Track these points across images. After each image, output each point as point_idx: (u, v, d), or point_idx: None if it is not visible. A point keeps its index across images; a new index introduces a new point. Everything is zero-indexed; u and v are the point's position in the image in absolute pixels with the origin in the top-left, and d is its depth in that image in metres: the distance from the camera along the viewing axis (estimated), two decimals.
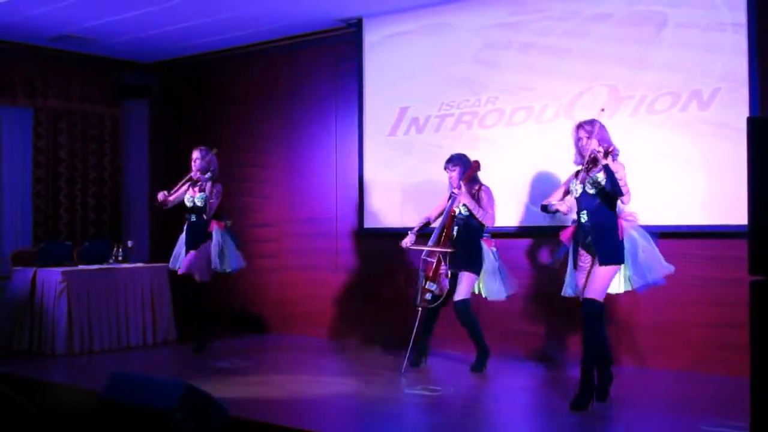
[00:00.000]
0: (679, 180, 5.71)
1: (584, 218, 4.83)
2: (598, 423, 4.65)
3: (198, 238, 6.73)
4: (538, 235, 6.48)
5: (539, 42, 6.43)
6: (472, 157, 5.93)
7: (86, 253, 7.34)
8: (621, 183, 4.63)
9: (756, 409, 3.04)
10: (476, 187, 5.84)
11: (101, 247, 7.52)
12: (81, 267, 7.03)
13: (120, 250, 7.44)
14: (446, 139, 6.72)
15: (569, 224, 5.10)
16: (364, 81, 7.36)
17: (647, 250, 4.76)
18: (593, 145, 4.76)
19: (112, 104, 8.88)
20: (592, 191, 4.80)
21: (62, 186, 8.47)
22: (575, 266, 4.92)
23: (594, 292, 4.72)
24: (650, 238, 4.78)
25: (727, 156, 5.55)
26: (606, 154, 4.60)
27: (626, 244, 4.75)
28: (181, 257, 6.86)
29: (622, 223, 4.78)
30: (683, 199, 5.67)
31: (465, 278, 5.77)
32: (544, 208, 5.00)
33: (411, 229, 6.09)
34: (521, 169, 6.48)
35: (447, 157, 5.96)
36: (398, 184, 7.07)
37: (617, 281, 4.85)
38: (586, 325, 4.73)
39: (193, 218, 6.75)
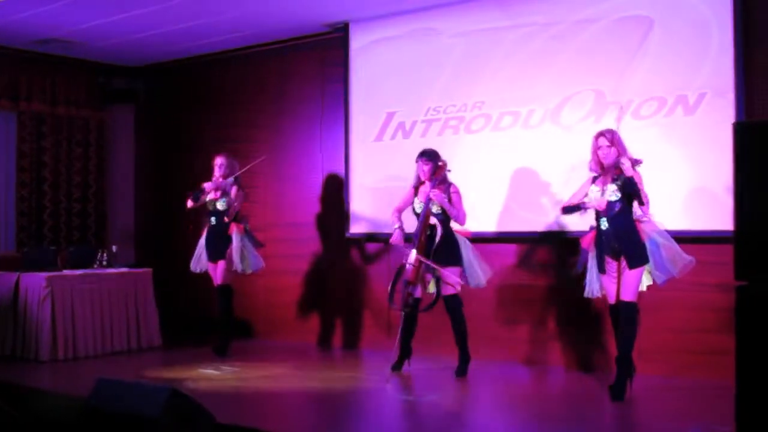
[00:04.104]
0: (665, 185, 5.70)
1: (604, 225, 5.08)
2: (583, 430, 4.64)
3: (218, 241, 6.81)
4: (525, 240, 6.49)
5: (525, 47, 6.44)
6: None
7: (70, 258, 7.28)
8: (644, 191, 4.94)
9: (741, 414, 3.05)
10: (446, 187, 5.86)
11: (86, 252, 7.46)
12: (65, 272, 6.96)
13: (104, 255, 7.39)
14: (433, 144, 6.67)
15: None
16: (350, 86, 7.35)
17: (667, 247, 5.03)
18: (613, 153, 5.01)
19: (97, 108, 8.81)
20: (613, 198, 5.04)
21: (47, 190, 8.39)
22: (602, 271, 5.14)
23: (631, 295, 5.03)
24: (668, 236, 5.06)
25: (713, 161, 5.58)
26: (634, 166, 4.93)
27: (647, 245, 5.01)
28: (202, 259, 6.97)
29: (642, 226, 5.04)
30: (669, 204, 5.65)
31: (452, 273, 5.78)
32: (571, 209, 5.24)
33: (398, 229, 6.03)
34: (508, 173, 6.48)
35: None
36: (384, 189, 7.04)
37: (645, 282, 5.13)
38: (626, 324, 5.04)
39: (213, 221, 6.82)
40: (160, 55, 8.53)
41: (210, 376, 6.06)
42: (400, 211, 6.11)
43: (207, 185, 6.80)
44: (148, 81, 9.12)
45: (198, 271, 7.04)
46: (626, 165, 4.94)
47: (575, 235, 5.70)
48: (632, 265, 5.01)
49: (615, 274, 5.11)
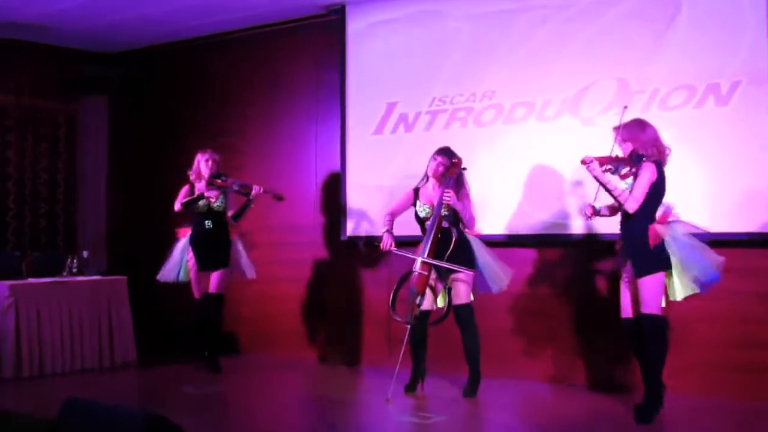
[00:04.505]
0: (696, 183, 5.72)
1: (620, 227, 5.14)
2: None
3: (216, 247, 6.79)
4: (539, 244, 6.49)
5: (540, 31, 6.43)
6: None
7: (37, 265, 7.28)
8: (616, 192, 4.98)
9: None
10: (458, 188, 5.85)
11: (53, 257, 7.47)
12: (31, 280, 6.96)
13: (74, 261, 7.36)
14: (438, 137, 6.66)
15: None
16: (347, 74, 7.34)
17: (689, 248, 4.94)
18: (628, 148, 5.04)
19: (67, 100, 8.81)
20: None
21: (10, 189, 8.40)
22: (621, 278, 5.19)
23: (649, 306, 4.95)
24: (693, 237, 4.99)
25: (749, 156, 5.58)
26: (582, 162, 4.98)
27: (668, 249, 4.94)
28: (174, 268, 6.88)
29: (655, 228, 4.97)
30: (701, 204, 5.66)
31: (464, 279, 5.77)
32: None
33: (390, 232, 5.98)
34: (521, 170, 6.48)
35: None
36: (385, 187, 7.04)
37: (672, 289, 5.02)
38: (650, 341, 4.96)
39: (209, 224, 6.77)
40: (137, 40, 8.52)
41: (192, 396, 6.04)
42: (393, 215, 6.05)
43: (219, 182, 6.74)
44: (123, 69, 9.10)
45: (163, 280, 6.94)
46: (591, 165, 4.97)
47: (606, 237, 5.69)
48: (637, 273, 4.99)
49: (628, 282, 5.11)
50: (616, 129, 5.12)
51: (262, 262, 7.29)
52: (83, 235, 8.95)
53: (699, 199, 5.68)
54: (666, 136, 5.28)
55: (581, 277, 6.32)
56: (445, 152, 5.91)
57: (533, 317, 6.51)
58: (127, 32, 8.20)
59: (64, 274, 7.29)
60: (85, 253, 7.64)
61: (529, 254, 6.54)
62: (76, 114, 8.93)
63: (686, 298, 5.11)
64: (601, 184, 5.00)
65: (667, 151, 5.12)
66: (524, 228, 6.48)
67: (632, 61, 6.05)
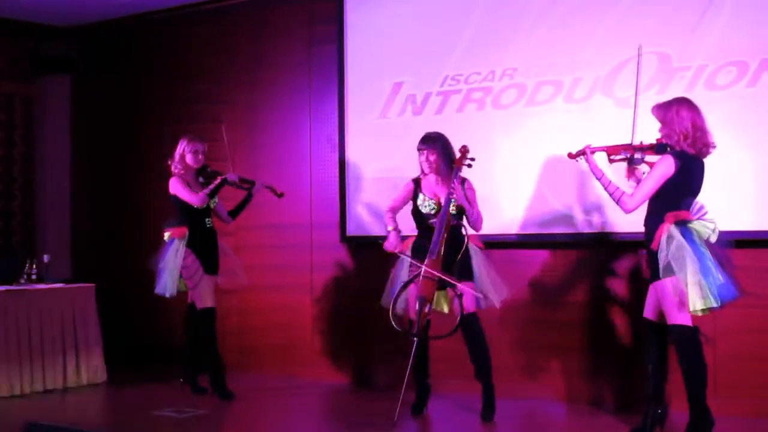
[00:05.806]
0: (746, 173, 5.72)
1: None
2: None
3: (214, 248, 6.85)
4: (567, 245, 6.49)
5: None
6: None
7: None
8: (610, 189, 5.10)
9: None
10: (462, 182, 5.88)
11: (9, 263, 7.47)
12: None
13: (34, 266, 7.38)
14: (451, 122, 6.69)
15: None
16: (347, 48, 7.35)
17: (695, 254, 4.83)
18: (663, 132, 5.08)
19: (24, 81, 8.83)
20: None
21: None
22: None
23: (673, 316, 4.92)
24: (709, 240, 4.92)
25: None
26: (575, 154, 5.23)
27: (676, 253, 4.86)
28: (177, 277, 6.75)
29: (663, 228, 4.94)
30: (751, 197, 5.68)
31: (468, 288, 5.79)
32: None
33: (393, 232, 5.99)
34: (546, 160, 6.47)
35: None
36: (390, 179, 7.01)
37: (692, 302, 4.87)
38: (679, 357, 4.95)
39: (209, 223, 6.82)
40: (103, 12, 8.52)
41: (168, 420, 6.04)
42: (395, 211, 6.08)
43: (230, 177, 6.79)
44: (88, 46, 9.10)
45: (162, 294, 6.73)
46: (587, 156, 5.17)
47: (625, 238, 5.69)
48: (650, 276, 5.07)
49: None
50: (657, 107, 5.14)
51: (247, 267, 7.28)
52: (43, 236, 8.96)
53: (749, 192, 5.70)
54: (713, 119, 5.27)
55: (607, 282, 6.33)
56: (429, 140, 5.92)
57: (549, 327, 6.52)
58: (92, 3, 8.19)
59: (22, 281, 7.30)
60: (45, 258, 7.63)
61: (558, 256, 6.56)
62: (34, 96, 8.95)
63: (733, 309, 5.10)
64: (596, 178, 5.13)
65: (709, 148, 5.04)
66: (549, 227, 6.49)
67: (675, 33, 6.04)
